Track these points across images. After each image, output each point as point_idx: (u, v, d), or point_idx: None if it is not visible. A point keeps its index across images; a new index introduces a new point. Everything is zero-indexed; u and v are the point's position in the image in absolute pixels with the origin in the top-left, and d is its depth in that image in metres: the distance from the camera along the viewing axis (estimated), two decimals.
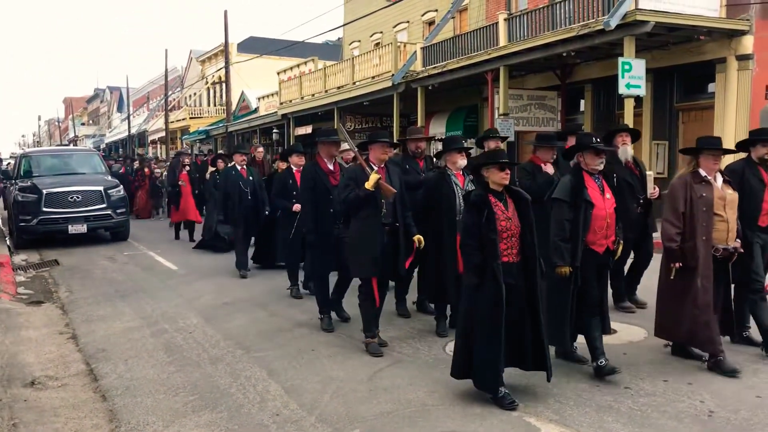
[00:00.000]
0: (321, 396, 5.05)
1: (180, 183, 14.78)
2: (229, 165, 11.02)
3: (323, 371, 5.63)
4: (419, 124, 20.28)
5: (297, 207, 8.19)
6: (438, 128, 22.16)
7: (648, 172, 7.05)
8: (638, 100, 14.24)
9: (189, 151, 19.94)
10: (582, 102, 18.38)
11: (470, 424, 4.50)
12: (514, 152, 18.79)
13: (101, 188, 14.44)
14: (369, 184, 5.86)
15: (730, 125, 14.13)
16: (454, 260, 6.33)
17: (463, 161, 6.54)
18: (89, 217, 14.06)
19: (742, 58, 14.06)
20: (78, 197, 14.05)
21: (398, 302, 7.50)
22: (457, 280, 6.28)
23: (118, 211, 14.56)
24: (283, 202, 8.78)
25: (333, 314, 7.14)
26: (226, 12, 31.32)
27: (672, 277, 5.46)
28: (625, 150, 7.05)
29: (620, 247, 5.54)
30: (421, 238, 6.14)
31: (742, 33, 13.98)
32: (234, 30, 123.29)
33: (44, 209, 13.75)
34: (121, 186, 15.37)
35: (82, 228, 13.95)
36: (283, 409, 4.81)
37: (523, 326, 4.82)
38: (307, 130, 27.94)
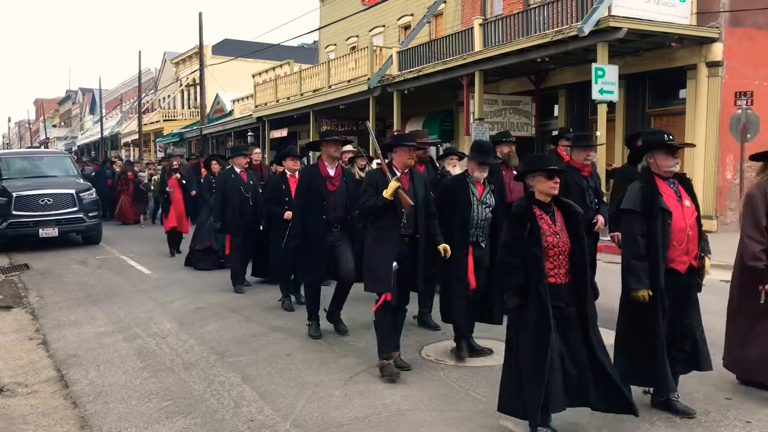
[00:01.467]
0: (296, 401, 5.02)
1: (168, 189, 13.21)
2: (227, 167, 10.13)
3: (298, 376, 5.61)
4: (395, 128, 20.33)
5: (288, 214, 7.69)
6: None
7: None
8: (611, 105, 14.44)
9: (178, 153, 17.95)
10: (556, 107, 18.56)
11: (446, 427, 4.51)
12: None
13: (73, 191, 14.24)
14: (387, 193, 5.36)
15: (701, 131, 14.38)
16: (461, 275, 5.82)
17: (481, 174, 5.92)
18: (61, 221, 13.85)
19: (712, 65, 14.31)
20: (49, 200, 13.85)
21: (421, 315, 7.08)
22: (467, 298, 5.88)
23: (90, 214, 14.35)
24: (275, 209, 8.10)
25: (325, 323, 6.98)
26: (200, 14, 31.19)
27: (762, 301, 4.86)
28: None
29: (707, 264, 4.70)
30: (447, 247, 5.58)
31: (712, 40, 14.25)
32: (209, 32, 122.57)
33: (14, 212, 13.52)
34: (94, 189, 15.15)
35: (53, 231, 13.73)
36: (258, 415, 4.78)
37: (579, 358, 4.21)
38: (283, 133, 27.87)
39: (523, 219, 4.22)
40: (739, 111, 13.60)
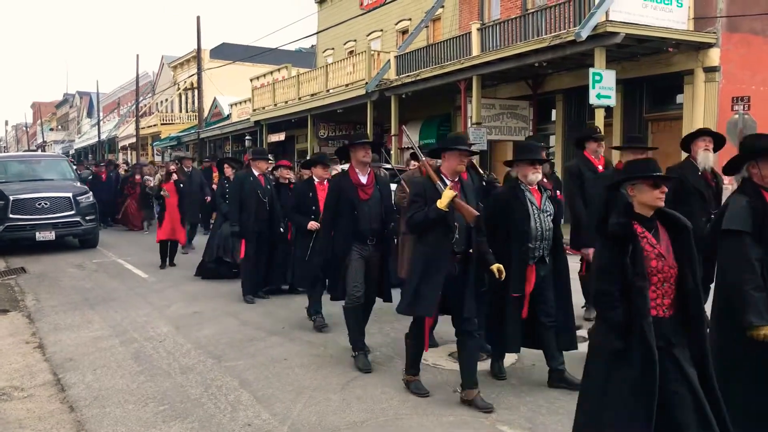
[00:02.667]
0: (293, 406, 5.01)
1: (163, 194, 12.03)
2: (245, 170, 9.49)
3: (296, 381, 5.59)
4: (393, 132, 20.36)
5: (313, 225, 7.32)
6: (411, 136, 22.21)
7: (726, 185, 6.21)
8: (608, 110, 14.48)
9: (190, 155, 15.49)
10: (553, 112, 18.59)
11: None
12: (487, 161, 18.95)
13: (70, 195, 14.21)
14: (442, 204, 4.78)
15: None
16: (520, 301, 5.22)
17: (535, 176, 5.27)
18: (57, 224, 13.82)
19: (709, 70, 14.36)
20: (46, 204, 13.83)
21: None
22: (522, 325, 5.26)
23: (87, 218, 14.34)
24: (299, 218, 7.64)
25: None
26: (198, 18, 31.19)
27: None
28: (706, 156, 6.01)
29: None
30: (501, 267, 4.92)
31: (709, 46, 14.30)
32: (207, 36, 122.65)
33: (11, 216, 13.49)
34: (91, 193, 15.13)
35: (50, 235, 13.71)
36: (255, 419, 4.76)
37: (684, 412, 3.30)
38: (281, 137, 27.89)
39: (624, 239, 3.41)
40: (737, 116, 13.63)
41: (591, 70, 13.47)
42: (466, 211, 4.83)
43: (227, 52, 39.44)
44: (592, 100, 13.47)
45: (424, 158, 5.27)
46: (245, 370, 5.87)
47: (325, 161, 7.86)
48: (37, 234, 13.61)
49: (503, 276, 4.93)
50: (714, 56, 14.33)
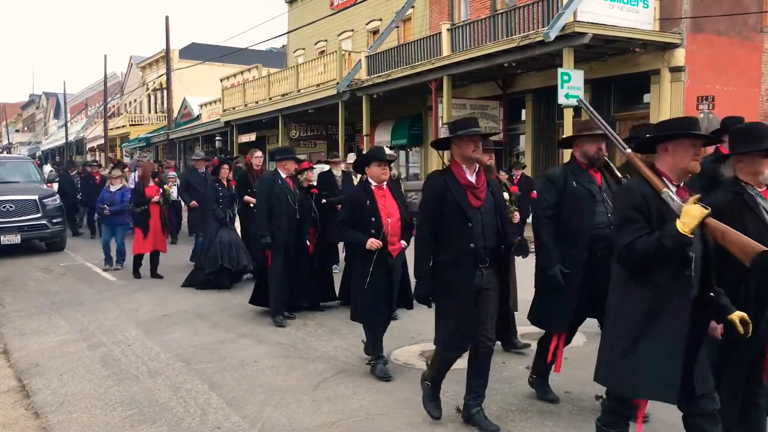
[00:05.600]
0: (263, 408, 4.98)
1: (156, 200, 10.72)
2: (271, 171, 8.30)
3: (266, 383, 5.56)
4: (364, 132, 20.36)
5: (373, 243, 5.57)
6: (383, 136, 22.27)
7: None
8: (577, 109, 14.62)
9: (202, 155, 13.82)
10: (523, 111, 18.76)
11: None
12: None
13: (36, 197, 13.99)
14: (687, 226, 3.02)
15: None
16: (761, 356, 3.61)
17: None
18: (23, 227, 13.60)
19: (675, 69, 14.62)
20: (11, 207, 13.58)
21: None
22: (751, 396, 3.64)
23: (54, 221, 14.12)
24: (356, 234, 5.76)
25: None
26: (167, 17, 30.87)
27: None
28: None
29: None
30: (746, 317, 3.23)
31: (675, 46, 14.56)
32: (176, 36, 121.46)
33: None
34: (57, 195, 14.91)
35: (15, 238, 13.47)
36: (225, 422, 4.73)
37: None
38: (251, 137, 27.74)
39: None
40: (702, 115, 13.88)
41: (559, 70, 13.63)
42: (736, 241, 3.04)
43: (197, 52, 39.12)
44: (561, 99, 13.62)
45: (628, 150, 3.44)
46: (215, 373, 5.83)
47: (382, 158, 5.95)
48: (2, 237, 13.36)
49: (750, 329, 3.24)
50: (679, 56, 14.59)
